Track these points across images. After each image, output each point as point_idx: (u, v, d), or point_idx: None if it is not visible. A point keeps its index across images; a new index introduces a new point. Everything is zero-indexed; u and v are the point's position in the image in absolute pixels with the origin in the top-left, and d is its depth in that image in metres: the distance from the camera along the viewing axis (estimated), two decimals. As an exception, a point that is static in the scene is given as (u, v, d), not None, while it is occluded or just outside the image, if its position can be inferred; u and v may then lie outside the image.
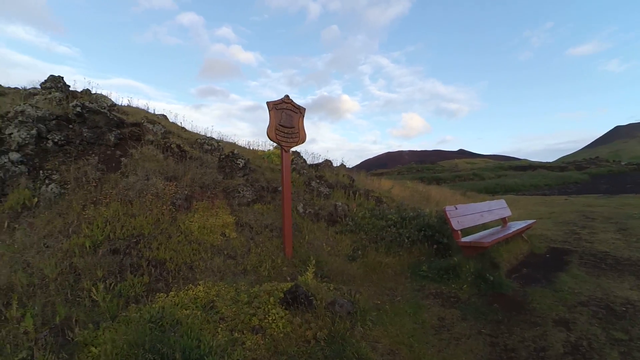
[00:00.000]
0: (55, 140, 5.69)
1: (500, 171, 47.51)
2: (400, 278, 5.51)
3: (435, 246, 6.29)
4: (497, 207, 7.69)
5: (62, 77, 7.47)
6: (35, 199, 4.92)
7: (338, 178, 9.60)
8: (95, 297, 3.81)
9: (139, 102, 9.64)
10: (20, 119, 5.64)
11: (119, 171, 5.81)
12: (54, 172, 5.32)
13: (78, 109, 6.21)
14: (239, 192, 6.32)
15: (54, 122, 5.93)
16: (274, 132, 5.47)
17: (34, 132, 5.49)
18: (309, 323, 3.63)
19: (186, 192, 5.90)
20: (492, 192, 26.77)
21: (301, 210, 6.77)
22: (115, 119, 6.60)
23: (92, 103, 6.37)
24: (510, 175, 41.60)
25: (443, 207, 7.92)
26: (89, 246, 4.48)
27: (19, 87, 7.96)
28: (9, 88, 8.07)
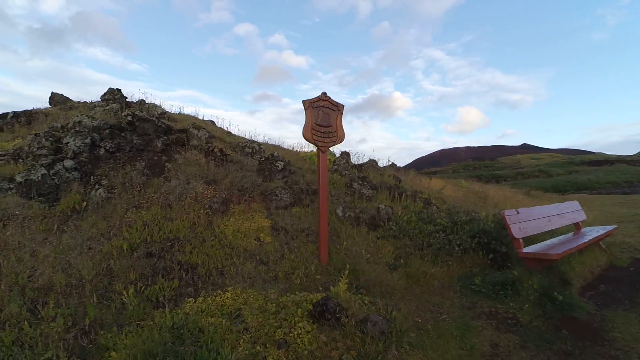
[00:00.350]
0: (107, 147, 5.99)
1: (570, 167, 41.79)
2: (448, 292, 4.83)
3: (491, 256, 5.46)
4: (568, 210, 6.52)
5: (120, 90, 7.97)
6: (84, 203, 5.17)
7: (383, 179, 9.02)
8: (125, 299, 3.81)
9: (190, 110, 10.01)
10: (77, 129, 6.03)
11: (163, 176, 5.94)
12: (103, 177, 5.58)
13: (129, 118, 6.51)
14: (277, 195, 6.11)
15: (107, 131, 6.26)
16: (309, 132, 5.14)
17: (87, 140, 5.83)
18: (336, 342, 3.21)
19: (224, 195, 5.83)
20: (561, 190, 23.60)
21: (340, 213, 6.36)
22: (163, 126, 6.82)
23: (142, 112, 6.63)
24: (583, 171, 36.38)
25: (502, 209, 6.97)
26: (126, 249, 4.55)
27: (87, 101, 8.68)
28: (78, 102, 8.85)
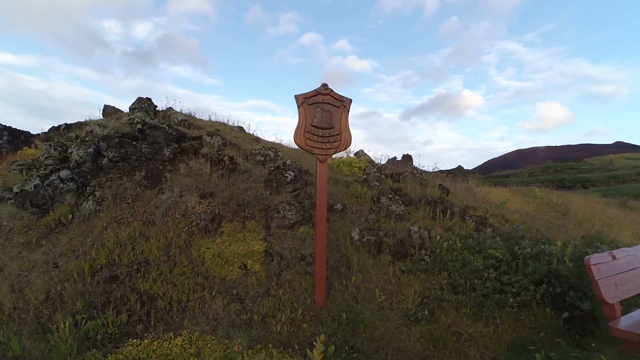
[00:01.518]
0: (110, 157, 5.48)
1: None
2: (491, 371, 3.08)
3: (565, 315, 3.50)
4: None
5: (149, 99, 7.63)
6: (70, 216, 4.63)
7: (424, 190, 7.22)
8: (58, 334, 2.98)
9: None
10: (87, 138, 5.64)
11: (158, 187, 5.19)
12: (98, 188, 5.01)
13: (139, 125, 5.97)
14: (279, 212, 4.92)
15: (116, 139, 5.78)
16: (302, 135, 3.85)
17: (91, 150, 5.36)
18: None
19: (217, 210, 4.84)
20: (670, 198, 17.91)
21: (356, 237, 4.91)
22: (174, 133, 6.17)
23: (153, 119, 6.05)
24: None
25: (588, 230, 4.76)
26: (87, 270, 3.77)
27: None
28: (126, 113, 8.85)
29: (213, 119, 8.80)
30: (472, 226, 6.35)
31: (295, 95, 3.87)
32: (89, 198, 4.85)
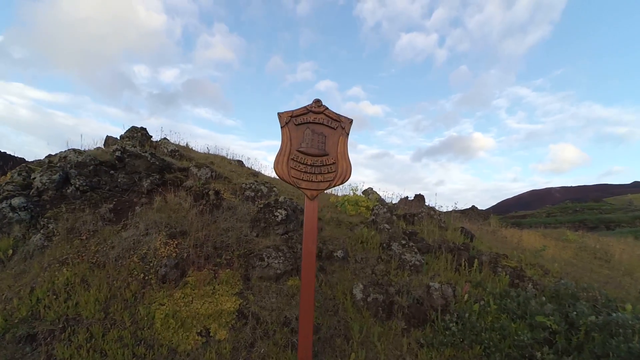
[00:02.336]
0: (78, 185, 4.69)
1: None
2: None
3: None
4: None
5: (144, 128, 7.04)
6: (11, 251, 3.73)
7: (444, 234, 6.01)
8: None
9: (230, 148, 8.78)
10: (59, 164, 4.92)
11: (122, 222, 4.29)
12: (53, 220, 4.15)
13: (118, 153, 5.25)
14: (262, 260, 3.85)
15: (91, 167, 5.04)
16: (284, 164, 2.91)
17: (56, 177, 4.60)
18: None
19: (185, 254, 3.84)
20: None
21: (360, 295, 3.74)
22: (157, 163, 5.39)
23: (134, 147, 5.33)
24: None
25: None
26: (1, 325, 2.78)
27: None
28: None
29: (229, 156, 8.08)
30: (507, 280, 5.06)
31: (278, 113, 2.99)
32: (40, 231, 3.99)
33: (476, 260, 5.27)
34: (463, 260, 5.26)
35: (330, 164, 2.99)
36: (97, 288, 3.26)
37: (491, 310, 4.02)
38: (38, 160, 7.41)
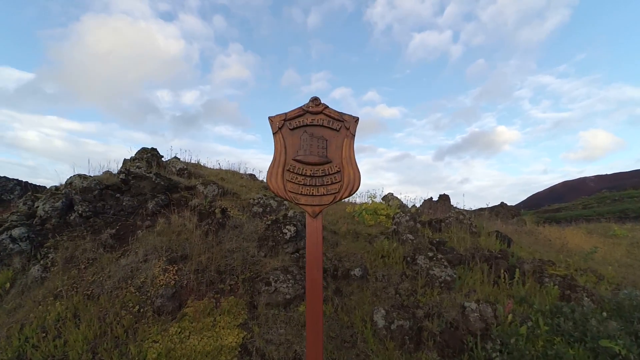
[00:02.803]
0: (81, 212, 4.49)
1: None
2: None
3: None
4: None
5: (155, 149, 6.89)
6: (8, 285, 3.51)
7: (477, 241, 5.29)
8: None
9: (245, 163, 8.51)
10: (63, 190, 4.77)
11: (123, 249, 4.01)
12: (53, 250, 3.94)
13: (122, 176, 5.05)
14: (269, 285, 3.40)
15: (96, 192, 4.86)
16: (279, 176, 2.46)
17: (59, 204, 4.43)
18: None
19: (185, 281, 3.46)
20: None
21: (381, 322, 3.18)
22: (163, 183, 5.14)
23: (139, 168, 5.12)
24: None
25: None
26: None
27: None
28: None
29: (245, 170, 7.82)
30: (557, 293, 4.33)
31: (269, 117, 2.57)
32: (40, 261, 3.77)
33: (517, 270, 4.55)
34: (502, 270, 4.56)
35: (334, 173, 2.50)
36: (88, 324, 2.94)
37: (541, 332, 3.36)
38: (55, 186, 7.47)
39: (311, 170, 2.47)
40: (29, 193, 4.93)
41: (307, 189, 2.43)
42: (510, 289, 4.34)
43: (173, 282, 3.42)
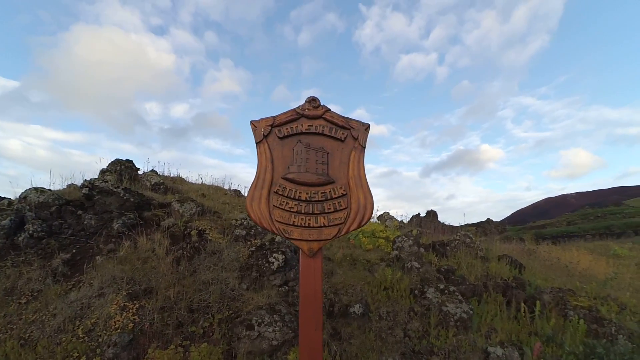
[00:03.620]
0: (32, 232, 3.76)
1: None
2: None
3: None
4: None
5: (130, 160, 6.20)
6: None
7: (487, 267, 4.73)
8: None
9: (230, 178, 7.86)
10: (15, 206, 4.05)
11: (75, 279, 3.29)
12: (-10, 282, 3.20)
13: (85, 190, 4.35)
14: (251, 328, 2.75)
15: (54, 208, 4.15)
16: (264, 200, 1.84)
17: (5, 222, 3.70)
18: None
19: (147, 323, 2.77)
20: None
21: (390, 377, 2.57)
22: (132, 200, 4.45)
23: (105, 182, 4.43)
24: None
25: None
26: None
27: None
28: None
29: (230, 185, 7.13)
30: (584, 328, 3.75)
31: (252, 122, 1.98)
32: None
33: (538, 302, 3.99)
34: (520, 302, 3.99)
35: (338, 197, 1.91)
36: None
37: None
38: (8, 200, 6.65)
39: (307, 194, 1.88)
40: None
41: (302, 219, 1.82)
42: (532, 324, 3.76)
43: (131, 324, 2.73)
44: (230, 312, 3.01)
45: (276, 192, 1.86)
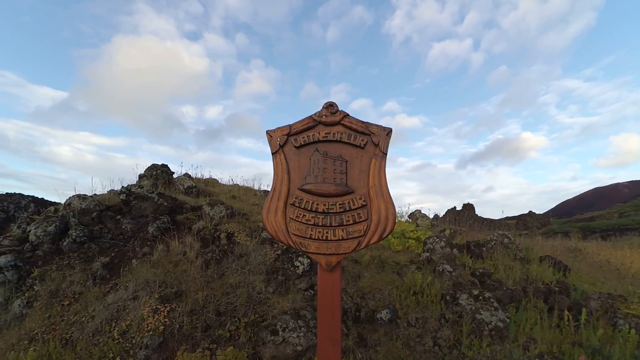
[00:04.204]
0: (74, 237, 4.04)
1: None
2: None
3: None
4: None
5: (166, 165, 6.44)
6: None
7: (527, 269, 4.39)
8: None
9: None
10: (61, 212, 4.37)
11: (112, 282, 3.48)
12: (39, 281, 3.48)
13: (123, 196, 4.59)
14: (277, 333, 2.75)
15: (95, 214, 4.42)
16: (280, 213, 1.79)
17: (52, 228, 4.00)
18: None
19: (177, 325, 2.87)
20: None
21: (418, 390, 2.45)
22: (166, 204, 4.63)
23: (141, 188, 4.66)
24: None
25: None
26: None
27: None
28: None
29: (257, 186, 7.26)
30: (636, 340, 3.38)
31: (268, 132, 1.94)
32: (25, 294, 3.33)
33: (584, 309, 3.64)
34: (563, 310, 3.67)
35: (357, 208, 1.82)
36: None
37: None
38: (55, 207, 7.17)
39: (325, 205, 1.80)
40: (25, 215, 4.56)
41: (320, 232, 1.76)
42: (576, 334, 3.45)
43: (162, 327, 2.83)
44: (257, 315, 3.04)
45: (292, 204, 1.81)
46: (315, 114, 1.95)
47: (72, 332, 2.85)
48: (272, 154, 1.89)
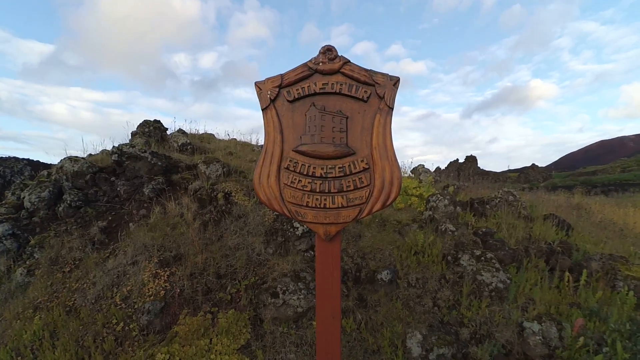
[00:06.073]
0: (70, 201, 3.91)
1: None
2: None
3: None
4: None
5: (158, 121, 6.16)
6: None
7: (530, 228, 4.32)
8: None
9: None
10: (54, 176, 4.21)
11: (111, 247, 3.42)
12: (38, 248, 3.43)
13: (115, 156, 4.38)
14: (276, 295, 2.72)
15: (88, 176, 4.26)
16: (273, 178, 1.61)
17: (45, 193, 3.87)
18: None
19: (178, 289, 2.84)
20: None
21: (417, 350, 2.44)
22: (160, 163, 4.44)
23: (133, 147, 4.42)
24: None
25: None
26: None
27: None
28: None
29: (255, 140, 7.02)
30: (633, 302, 3.36)
31: (256, 83, 1.66)
32: (26, 262, 3.29)
33: (585, 270, 3.59)
34: (564, 271, 3.62)
35: (359, 172, 1.60)
36: (64, 347, 2.42)
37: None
38: (47, 171, 7.00)
39: (323, 169, 1.59)
40: (19, 181, 4.41)
41: (317, 199, 1.57)
42: (575, 295, 3.43)
43: (163, 291, 2.80)
44: (257, 277, 3.00)
45: (287, 168, 1.60)
46: (310, 61, 1.65)
47: (75, 299, 2.84)
48: (262, 110, 1.63)
